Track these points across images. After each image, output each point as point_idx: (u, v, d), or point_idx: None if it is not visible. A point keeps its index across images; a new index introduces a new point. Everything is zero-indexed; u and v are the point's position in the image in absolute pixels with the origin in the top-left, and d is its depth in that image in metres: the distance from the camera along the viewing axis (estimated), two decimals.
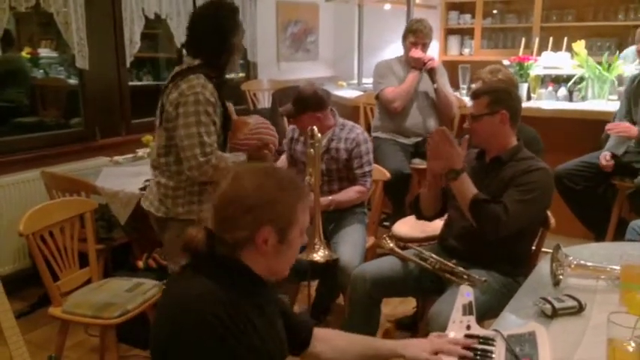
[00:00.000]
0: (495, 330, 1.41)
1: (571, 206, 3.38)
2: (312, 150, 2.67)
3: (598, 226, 3.40)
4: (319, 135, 2.74)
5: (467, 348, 1.35)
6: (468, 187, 2.14)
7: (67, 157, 3.76)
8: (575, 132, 3.72)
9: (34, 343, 2.89)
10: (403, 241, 2.78)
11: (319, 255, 2.58)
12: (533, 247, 2.35)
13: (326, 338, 1.53)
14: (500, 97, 2.26)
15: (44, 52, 5.38)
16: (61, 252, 2.42)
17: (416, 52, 3.75)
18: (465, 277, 2.13)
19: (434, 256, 2.27)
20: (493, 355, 1.30)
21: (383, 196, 3.30)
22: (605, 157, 3.28)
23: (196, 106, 2.17)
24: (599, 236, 3.34)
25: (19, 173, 3.46)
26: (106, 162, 3.79)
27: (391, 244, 2.42)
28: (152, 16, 4.28)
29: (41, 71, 5.41)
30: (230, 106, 2.52)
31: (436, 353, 1.38)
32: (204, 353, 1.16)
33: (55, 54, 5.29)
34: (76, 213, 2.48)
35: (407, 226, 2.93)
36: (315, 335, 1.52)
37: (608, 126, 3.29)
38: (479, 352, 1.33)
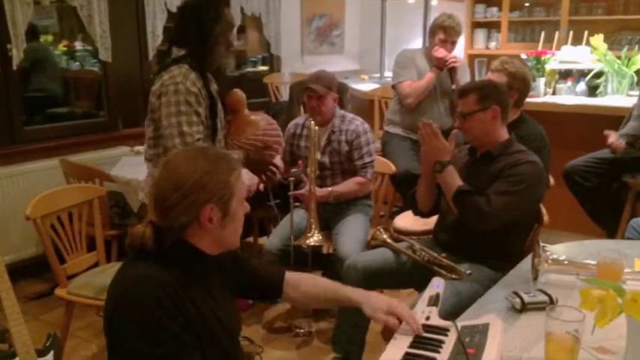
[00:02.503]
0: (452, 321, 1.44)
1: (581, 203, 3.33)
2: (309, 142, 2.75)
3: (609, 223, 3.33)
4: (316, 128, 2.80)
5: (418, 337, 1.38)
6: (453, 180, 2.16)
7: (90, 146, 3.91)
8: (593, 128, 3.64)
9: (48, 322, 3.05)
10: (402, 234, 2.80)
11: (313, 240, 2.66)
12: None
13: (296, 284, 1.61)
14: (489, 92, 2.25)
15: (80, 45, 5.59)
16: (69, 236, 2.54)
17: (440, 52, 3.60)
18: (451, 269, 2.15)
19: (425, 248, 2.30)
20: (443, 345, 1.33)
21: (394, 189, 3.32)
22: (613, 135, 3.14)
23: (177, 96, 2.17)
24: (610, 235, 3.28)
25: (43, 161, 3.62)
26: (127, 151, 3.93)
27: (384, 236, 2.46)
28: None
29: (77, 64, 5.63)
30: (235, 94, 2.49)
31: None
32: (140, 333, 1.20)
33: (89, 47, 5.50)
34: (84, 199, 2.60)
35: (409, 219, 2.95)
36: (287, 282, 1.60)
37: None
38: (430, 341, 1.36)
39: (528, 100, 4.04)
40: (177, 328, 1.22)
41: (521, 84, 2.73)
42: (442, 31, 3.63)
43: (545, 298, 1.63)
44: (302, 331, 2.91)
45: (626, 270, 1.70)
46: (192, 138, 2.19)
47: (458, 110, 2.28)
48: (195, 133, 2.20)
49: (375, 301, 1.52)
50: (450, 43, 3.65)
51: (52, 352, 2.03)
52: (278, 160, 2.89)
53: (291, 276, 1.62)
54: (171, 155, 1.39)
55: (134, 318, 1.21)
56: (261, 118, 2.46)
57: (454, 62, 3.60)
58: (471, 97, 2.22)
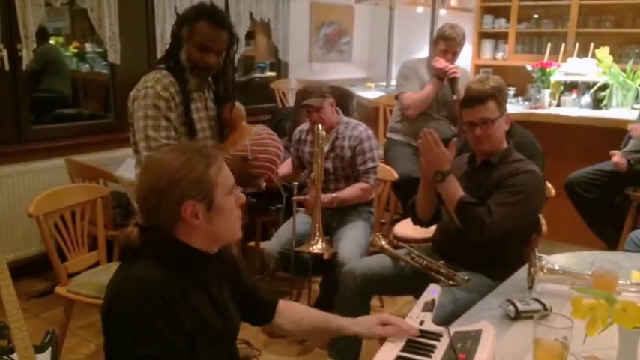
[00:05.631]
0: (445, 327, 1.44)
1: (582, 215, 3.33)
2: (317, 148, 2.76)
3: (610, 236, 3.33)
4: (324, 133, 2.82)
5: (411, 341, 1.40)
6: (454, 190, 2.16)
7: (96, 147, 3.94)
8: (596, 140, 3.66)
9: (49, 319, 3.08)
10: (402, 241, 2.81)
11: (317, 248, 2.67)
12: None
13: (286, 311, 1.61)
14: (503, 98, 2.27)
15: (91, 47, 5.65)
16: (71, 235, 2.56)
17: (439, 62, 3.61)
18: (449, 275, 2.16)
19: (423, 255, 2.31)
20: (434, 349, 1.34)
21: (395, 197, 3.32)
22: (617, 155, 3.15)
23: (145, 100, 2.14)
24: (611, 247, 3.27)
25: (49, 160, 3.66)
26: (132, 153, 3.95)
27: (383, 242, 2.46)
28: None
29: (87, 65, 5.68)
30: (238, 108, 2.41)
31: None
32: (131, 332, 1.20)
33: (99, 49, 5.56)
34: (86, 199, 2.62)
35: (409, 227, 2.95)
36: (279, 308, 1.61)
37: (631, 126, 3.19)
38: (422, 345, 1.37)
39: (533, 111, 4.09)
40: (166, 330, 1.20)
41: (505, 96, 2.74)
42: (443, 42, 3.65)
43: (539, 306, 1.64)
44: None
45: (620, 281, 1.71)
46: (158, 143, 2.13)
47: (480, 117, 2.19)
48: (161, 138, 2.14)
49: (365, 321, 1.56)
50: (450, 53, 3.65)
51: (50, 349, 2.05)
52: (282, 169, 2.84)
53: (282, 303, 1.63)
54: (148, 158, 1.39)
55: (125, 317, 1.20)
56: (258, 130, 2.39)
57: (454, 72, 3.59)
58: (491, 103, 2.19)
